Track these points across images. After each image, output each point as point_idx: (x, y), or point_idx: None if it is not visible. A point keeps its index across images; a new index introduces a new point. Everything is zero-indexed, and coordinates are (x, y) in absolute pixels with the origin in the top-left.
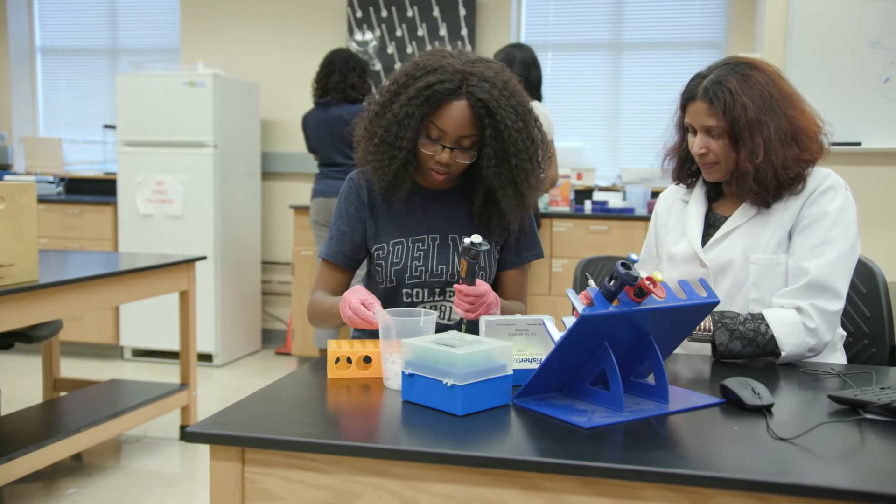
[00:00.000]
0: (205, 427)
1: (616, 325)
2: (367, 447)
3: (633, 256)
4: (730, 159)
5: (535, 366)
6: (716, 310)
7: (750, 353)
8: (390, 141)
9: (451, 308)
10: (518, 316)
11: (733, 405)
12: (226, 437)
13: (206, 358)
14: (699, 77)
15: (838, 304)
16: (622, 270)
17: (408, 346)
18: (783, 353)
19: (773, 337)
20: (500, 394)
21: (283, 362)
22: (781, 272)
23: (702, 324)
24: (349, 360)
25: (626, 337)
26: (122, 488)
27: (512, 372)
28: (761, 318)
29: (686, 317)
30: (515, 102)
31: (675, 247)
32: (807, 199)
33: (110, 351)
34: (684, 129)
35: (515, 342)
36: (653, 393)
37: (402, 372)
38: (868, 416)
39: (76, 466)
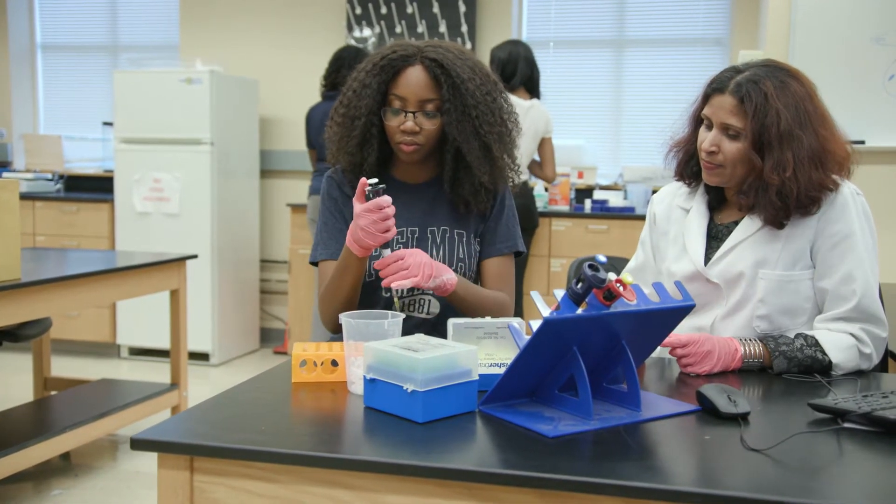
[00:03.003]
0: (152, 434)
1: (585, 329)
2: (315, 456)
3: (601, 258)
4: (738, 166)
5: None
6: (768, 336)
7: (803, 374)
8: (351, 114)
9: (430, 302)
10: (487, 319)
11: (709, 413)
12: (173, 444)
13: (202, 357)
14: (733, 70)
15: (886, 331)
16: (589, 272)
17: (369, 350)
18: (836, 375)
19: (830, 363)
20: (464, 400)
21: (281, 362)
22: (795, 289)
23: (748, 349)
24: (315, 364)
25: (597, 341)
26: (107, 490)
27: (477, 377)
28: (815, 343)
29: (661, 320)
30: (472, 63)
31: (676, 265)
32: (825, 213)
33: (107, 349)
34: (698, 122)
35: (484, 346)
36: (625, 400)
37: (364, 377)
38: (847, 425)
39: (64, 467)
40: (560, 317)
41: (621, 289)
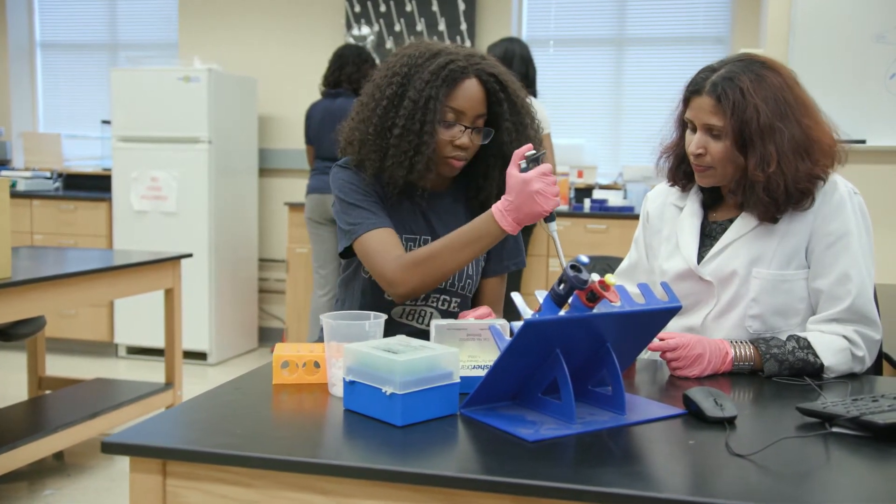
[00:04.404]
0: (125, 437)
1: (568, 331)
2: (288, 460)
3: (583, 258)
4: (728, 165)
5: None
6: (759, 338)
7: (795, 377)
8: (415, 129)
9: (431, 314)
10: (470, 320)
11: (695, 417)
12: (145, 448)
13: (200, 356)
14: (708, 70)
15: (880, 333)
16: (571, 273)
17: (349, 352)
18: (828, 377)
19: (822, 366)
20: (445, 403)
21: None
22: (789, 289)
23: (739, 352)
24: (298, 365)
25: (581, 343)
26: (99, 490)
27: (459, 380)
28: (808, 345)
29: (646, 322)
30: (516, 78)
31: (668, 263)
32: (821, 211)
33: (105, 349)
34: (684, 126)
35: (467, 348)
36: (609, 403)
37: (343, 379)
38: (836, 429)
39: (58, 466)
40: (540, 319)
41: (604, 290)
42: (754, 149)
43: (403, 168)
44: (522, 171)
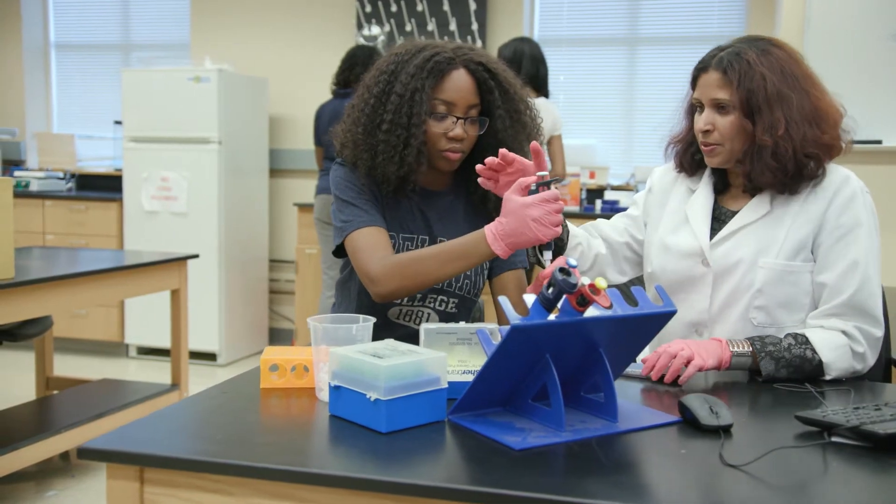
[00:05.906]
0: (101, 443)
1: (557, 335)
2: (266, 468)
3: (572, 261)
4: (735, 141)
5: None
6: (755, 337)
7: (794, 378)
8: (403, 122)
9: (428, 315)
10: (461, 324)
11: (690, 425)
12: (122, 454)
13: (209, 357)
14: (717, 49)
15: (881, 330)
16: (559, 277)
17: (334, 356)
18: (829, 378)
19: (820, 362)
20: (432, 409)
21: None
22: (794, 281)
23: (733, 347)
24: (287, 369)
25: (573, 349)
26: (101, 491)
27: (446, 385)
28: (805, 341)
29: (641, 327)
30: (505, 67)
31: (673, 237)
32: (832, 203)
33: (115, 349)
34: (693, 115)
35: (456, 352)
36: (601, 410)
37: (329, 384)
38: (835, 439)
39: (64, 467)
40: (527, 323)
41: (594, 294)
42: (762, 116)
43: (394, 163)
44: (531, 193)
